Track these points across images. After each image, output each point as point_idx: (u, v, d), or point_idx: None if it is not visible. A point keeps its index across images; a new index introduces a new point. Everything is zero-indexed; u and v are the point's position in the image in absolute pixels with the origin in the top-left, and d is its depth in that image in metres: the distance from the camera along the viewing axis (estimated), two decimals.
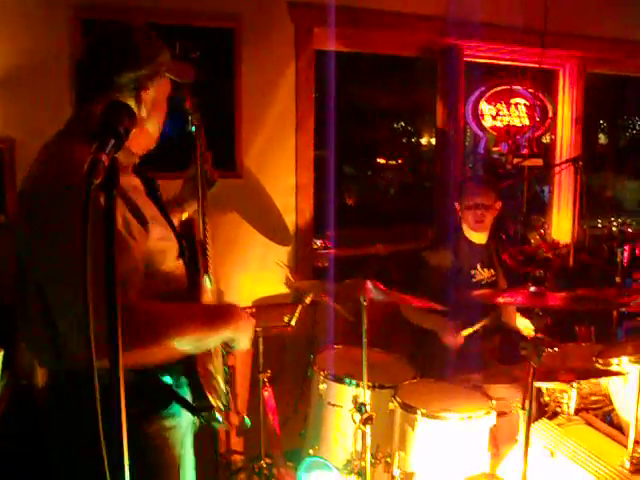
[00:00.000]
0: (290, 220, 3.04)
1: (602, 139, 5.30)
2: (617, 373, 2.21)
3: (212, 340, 1.37)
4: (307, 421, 2.58)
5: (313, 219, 3.10)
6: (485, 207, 2.75)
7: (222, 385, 1.49)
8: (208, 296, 1.55)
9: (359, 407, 2.05)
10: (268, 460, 2.76)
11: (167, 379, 1.35)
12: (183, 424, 1.44)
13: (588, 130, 4.63)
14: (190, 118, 1.90)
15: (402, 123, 4.30)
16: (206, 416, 1.40)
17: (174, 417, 1.40)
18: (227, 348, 1.51)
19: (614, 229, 3.59)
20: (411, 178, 4.52)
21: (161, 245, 1.36)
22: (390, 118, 4.23)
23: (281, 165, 2.98)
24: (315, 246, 3.29)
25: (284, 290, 2.99)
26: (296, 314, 2.44)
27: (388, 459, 2.27)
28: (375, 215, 4.09)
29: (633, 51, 4.02)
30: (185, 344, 1.26)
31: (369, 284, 2.02)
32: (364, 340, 2.05)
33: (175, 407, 1.39)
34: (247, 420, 1.44)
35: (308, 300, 2.41)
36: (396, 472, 2.24)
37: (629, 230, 3.54)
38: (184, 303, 1.40)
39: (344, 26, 2.99)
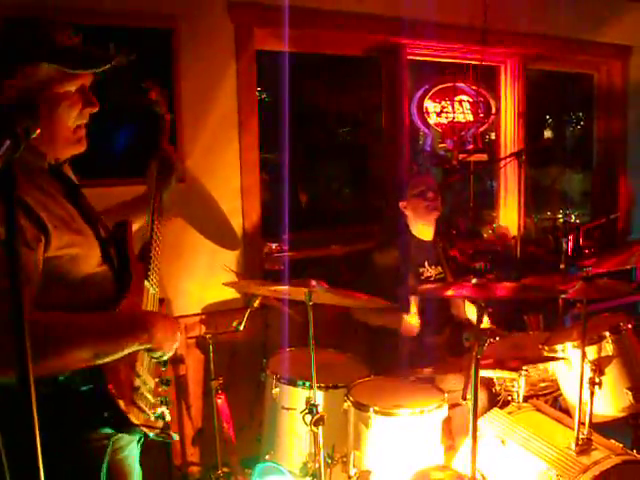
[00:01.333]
0: (237, 223, 3.04)
1: (548, 134, 5.49)
2: (562, 359, 2.32)
3: (118, 350, 1.30)
4: (262, 426, 2.60)
5: (261, 221, 3.12)
6: (435, 191, 2.85)
7: (151, 398, 1.43)
8: (146, 302, 1.54)
9: (310, 408, 2.07)
10: (225, 469, 2.77)
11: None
12: (125, 437, 1.40)
13: (535, 126, 4.82)
14: (157, 109, 1.90)
15: (354, 123, 4.37)
16: (129, 431, 1.35)
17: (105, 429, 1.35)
18: (154, 358, 1.49)
19: (559, 220, 3.74)
20: (364, 177, 4.59)
21: (71, 251, 1.31)
22: (342, 118, 4.28)
23: (225, 168, 2.99)
24: (269, 249, 3.31)
25: (234, 295, 3.00)
26: (245, 319, 2.46)
27: (345, 459, 2.31)
28: (331, 216, 4.14)
29: (570, 48, 4.22)
30: (85, 355, 1.23)
31: (314, 283, 2.06)
32: (311, 341, 2.08)
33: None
34: (174, 435, 1.43)
35: (256, 304, 2.43)
36: (352, 471, 2.28)
37: (573, 220, 3.70)
38: (85, 314, 1.34)
39: (286, 26, 3.01)
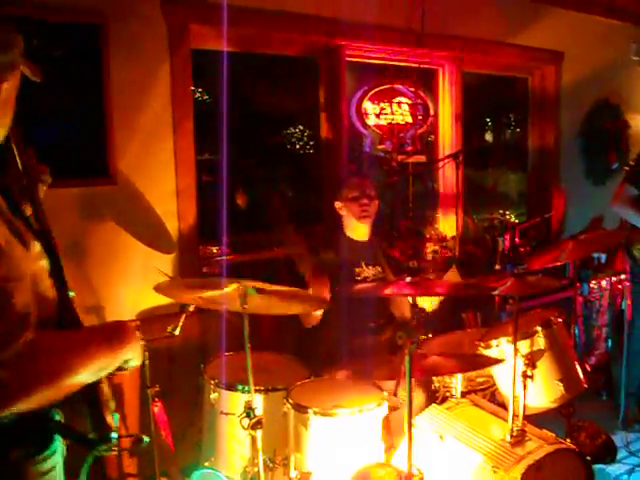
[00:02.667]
0: (172, 226, 3.03)
1: (486, 136, 5.70)
2: (499, 361, 2.42)
3: (114, 363, 1.27)
4: (202, 433, 2.61)
5: (198, 224, 3.12)
6: (369, 197, 2.93)
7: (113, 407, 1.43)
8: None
9: (247, 412, 2.09)
10: (164, 479, 2.76)
11: (56, 415, 1.28)
12: (59, 459, 1.33)
13: (475, 128, 5.00)
14: None
15: (295, 124, 4.42)
16: (104, 448, 1.29)
17: (54, 455, 1.28)
18: (120, 368, 1.46)
19: (495, 220, 3.90)
20: (305, 178, 4.64)
21: (38, 265, 1.27)
22: (283, 119, 4.33)
23: (159, 169, 2.97)
24: (210, 253, 3.31)
25: (170, 299, 2.98)
26: (180, 323, 2.45)
27: (286, 462, 2.34)
28: (273, 218, 4.17)
29: (505, 52, 4.42)
30: (90, 373, 1.19)
31: (245, 285, 2.07)
32: (247, 343, 2.09)
33: (56, 444, 1.28)
34: (145, 439, 1.41)
35: (192, 308, 2.42)
36: (293, 474, 2.31)
37: (511, 220, 3.87)
38: (78, 330, 1.30)
39: (224, 25, 3.01)
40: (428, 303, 2.86)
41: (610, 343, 4.11)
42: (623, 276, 4.02)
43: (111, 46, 2.76)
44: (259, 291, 2.13)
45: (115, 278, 2.86)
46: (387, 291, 2.07)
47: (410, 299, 1.92)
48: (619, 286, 4.15)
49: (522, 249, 3.81)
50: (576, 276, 3.67)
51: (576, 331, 3.92)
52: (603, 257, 4.30)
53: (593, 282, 4.17)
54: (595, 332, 4.18)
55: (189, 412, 2.84)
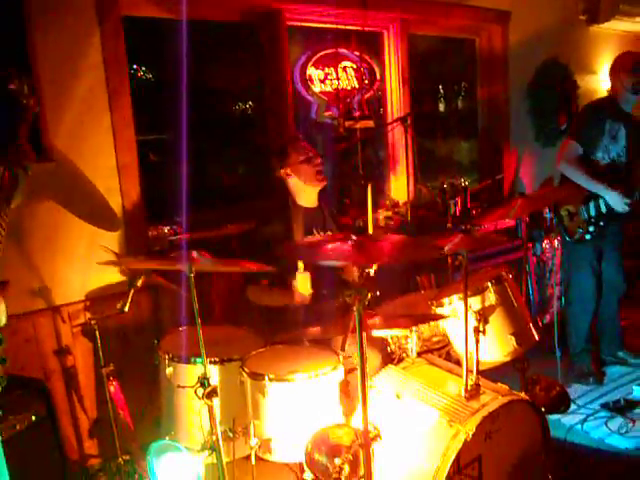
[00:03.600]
0: (116, 203, 3.01)
1: (439, 103, 5.78)
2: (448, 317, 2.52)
3: None
4: (160, 409, 2.64)
5: (143, 201, 3.11)
6: (320, 157, 2.97)
7: None
8: None
9: (202, 382, 2.13)
10: (126, 457, 2.80)
11: None
12: None
13: (425, 94, 5.07)
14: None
15: (242, 96, 4.39)
16: None
17: None
18: None
19: (446, 184, 4.00)
20: (254, 151, 4.64)
21: None
22: (229, 91, 4.30)
23: (97, 145, 2.93)
24: (161, 233, 3.30)
25: (120, 278, 2.98)
26: (129, 299, 2.47)
27: (246, 431, 2.40)
28: (226, 195, 4.16)
29: (450, 12, 4.48)
30: None
31: (195, 254, 2.10)
32: (196, 313, 2.12)
33: None
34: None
35: (139, 283, 2.44)
36: (253, 441, 2.37)
37: (460, 184, 3.97)
38: None
39: None
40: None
41: (563, 301, 4.28)
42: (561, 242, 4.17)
43: (35, 13, 2.68)
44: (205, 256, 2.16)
45: (60, 259, 2.84)
46: (332, 246, 2.07)
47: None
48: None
49: (474, 211, 3.92)
50: (528, 236, 3.83)
51: (529, 290, 4.10)
52: (555, 217, 4.45)
53: (545, 242, 4.33)
54: (548, 291, 4.36)
55: (146, 389, 2.87)
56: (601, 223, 3.58)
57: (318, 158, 2.96)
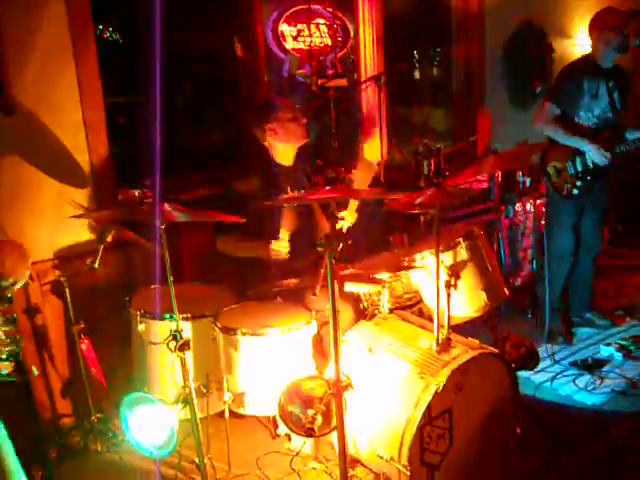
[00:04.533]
0: (83, 160, 2.99)
1: (415, 67, 5.79)
2: (420, 267, 2.59)
3: None
4: (133, 366, 2.68)
5: (112, 157, 3.10)
6: (304, 117, 2.98)
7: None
8: None
9: (174, 335, 2.17)
10: (99, 414, 2.85)
11: None
12: None
13: (400, 56, 5.08)
14: None
15: (215, 56, 4.36)
16: None
17: None
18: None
19: (420, 145, 4.04)
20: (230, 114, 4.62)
21: None
22: (202, 53, 4.26)
23: (62, 99, 2.90)
24: (132, 197, 3.29)
25: (89, 236, 2.97)
26: (99, 255, 2.48)
27: (219, 386, 2.46)
28: (202, 157, 4.16)
29: None
30: None
31: (166, 206, 2.11)
32: (168, 266, 2.14)
33: None
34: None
35: (109, 238, 2.45)
36: (227, 396, 2.44)
37: (433, 146, 4.01)
38: None
39: None
40: (348, 218, 3.01)
41: (534, 264, 4.38)
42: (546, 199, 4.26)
43: None
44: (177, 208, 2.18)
45: (27, 216, 2.82)
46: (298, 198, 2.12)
47: (331, 207, 2.01)
48: (543, 209, 4.39)
49: (447, 172, 3.98)
50: (501, 199, 3.90)
51: (502, 252, 4.20)
52: (528, 180, 4.54)
53: (518, 205, 4.41)
54: (520, 254, 4.46)
55: (119, 347, 2.90)
56: (588, 178, 3.63)
57: (304, 118, 2.98)
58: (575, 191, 3.67)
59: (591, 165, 3.59)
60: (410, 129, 5.02)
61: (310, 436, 2.15)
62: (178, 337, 2.15)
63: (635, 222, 5.49)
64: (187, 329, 2.46)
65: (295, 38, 3.87)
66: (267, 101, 3.14)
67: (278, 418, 2.22)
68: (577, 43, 5.74)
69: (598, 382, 3.31)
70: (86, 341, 2.70)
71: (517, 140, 5.02)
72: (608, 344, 3.68)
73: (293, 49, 3.87)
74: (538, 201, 4.41)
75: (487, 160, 2.79)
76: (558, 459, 2.65)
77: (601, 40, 3.58)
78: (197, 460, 2.25)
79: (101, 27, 3.35)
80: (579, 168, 3.63)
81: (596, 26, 3.63)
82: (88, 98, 2.99)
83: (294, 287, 2.59)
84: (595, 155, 3.55)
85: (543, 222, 4.18)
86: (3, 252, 1.42)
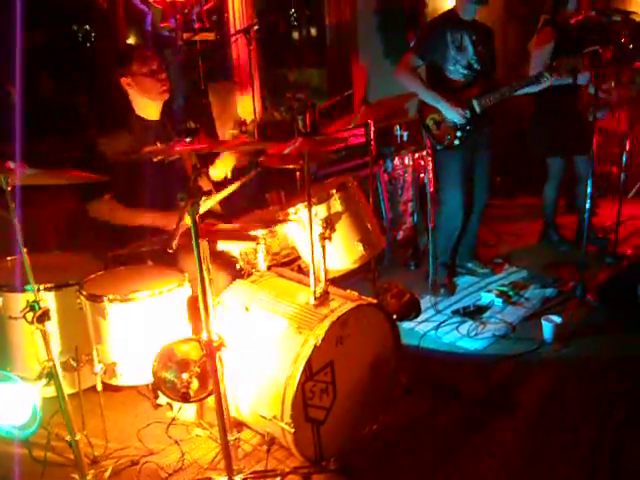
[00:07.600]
0: None
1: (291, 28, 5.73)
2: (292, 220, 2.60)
3: None
4: None
5: None
6: (164, 70, 2.87)
7: None
8: None
9: (31, 306, 2.05)
10: None
11: None
12: None
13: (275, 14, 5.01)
14: None
15: (76, 14, 4.11)
16: None
17: None
18: None
19: (293, 101, 4.03)
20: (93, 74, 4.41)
21: None
22: (63, 12, 4.01)
23: None
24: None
25: None
26: None
27: (89, 357, 2.37)
28: (70, 121, 3.94)
29: None
30: None
31: (10, 165, 1.96)
32: (18, 229, 2.00)
33: None
34: None
35: None
36: (98, 367, 2.36)
37: (307, 100, 4.02)
38: None
39: None
40: (222, 170, 2.97)
41: (415, 217, 4.52)
42: (425, 152, 4.37)
43: None
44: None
45: None
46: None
47: (192, 160, 1.96)
48: (421, 162, 4.53)
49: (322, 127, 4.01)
50: (378, 153, 3.96)
51: (382, 207, 4.30)
52: (405, 134, 4.65)
53: (396, 159, 4.52)
54: (401, 207, 4.59)
55: None
56: (468, 128, 3.75)
57: (163, 73, 2.86)
58: (456, 142, 3.76)
59: (469, 115, 3.70)
60: (286, 87, 4.99)
61: (187, 401, 2.12)
62: (36, 307, 2.03)
63: (510, 173, 5.83)
64: (50, 300, 2.35)
65: None
66: (123, 53, 3.00)
67: (151, 386, 2.18)
68: None
69: (480, 328, 3.47)
70: None
71: (392, 93, 5.16)
72: (489, 291, 3.87)
73: (155, 1, 3.71)
74: (416, 155, 4.54)
75: (358, 111, 2.83)
76: (445, 403, 2.76)
77: None
78: (68, 437, 2.17)
79: None
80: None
81: None
82: None
83: (159, 246, 2.52)
84: (448, 113, 3.68)
85: (422, 175, 4.30)
86: None
